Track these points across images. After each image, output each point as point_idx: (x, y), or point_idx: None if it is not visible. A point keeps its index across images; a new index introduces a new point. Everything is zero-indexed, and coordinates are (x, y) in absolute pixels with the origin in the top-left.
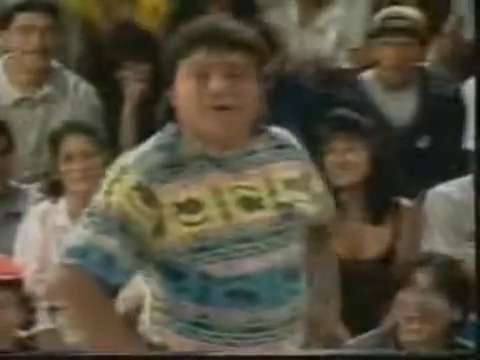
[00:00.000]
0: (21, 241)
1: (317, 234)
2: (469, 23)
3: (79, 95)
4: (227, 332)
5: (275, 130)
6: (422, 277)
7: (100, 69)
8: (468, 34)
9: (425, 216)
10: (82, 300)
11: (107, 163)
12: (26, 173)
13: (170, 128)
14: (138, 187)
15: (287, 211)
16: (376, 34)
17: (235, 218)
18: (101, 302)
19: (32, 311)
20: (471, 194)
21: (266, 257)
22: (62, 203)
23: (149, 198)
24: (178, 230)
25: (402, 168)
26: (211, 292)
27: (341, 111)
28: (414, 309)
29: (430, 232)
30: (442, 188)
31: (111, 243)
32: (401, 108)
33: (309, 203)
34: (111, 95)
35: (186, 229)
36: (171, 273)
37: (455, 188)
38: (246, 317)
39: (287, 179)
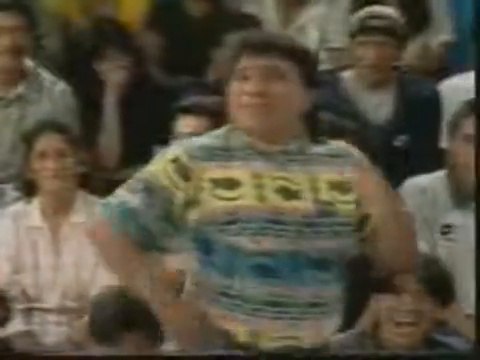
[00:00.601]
0: None
1: None
2: (445, 24)
3: (55, 94)
4: (248, 303)
5: (337, 142)
6: (406, 281)
7: (77, 64)
8: (443, 36)
9: None
10: (106, 248)
11: (82, 162)
12: (1, 173)
13: (227, 126)
14: (175, 160)
15: (324, 208)
16: (355, 33)
17: (270, 201)
18: (123, 251)
19: (7, 309)
20: (444, 188)
21: (294, 241)
22: (35, 203)
23: (184, 172)
24: (211, 203)
25: (379, 167)
26: (236, 264)
27: (322, 115)
28: (404, 315)
29: None
30: (416, 180)
31: (134, 200)
32: (379, 107)
33: (357, 205)
34: (89, 91)
35: (220, 203)
36: (201, 246)
37: (428, 181)
38: (266, 291)
39: (333, 181)
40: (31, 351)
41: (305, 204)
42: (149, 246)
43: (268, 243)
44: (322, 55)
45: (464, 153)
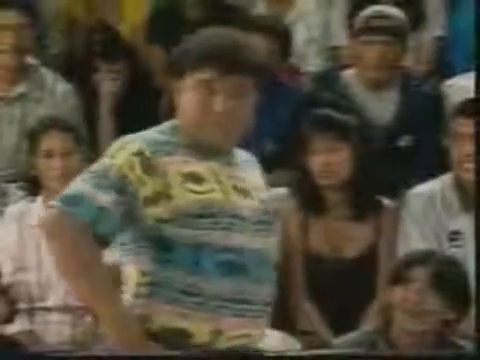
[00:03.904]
0: None
1: None
2: (439, 21)
3: (57, 94)
4: (211, 300)
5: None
6: (418, 275)
7: (75, 69)
8: (436, 32)
9: (404, 217)
10: (68, 244)
11: (87, 159)
12: (4, 172)
13: (168, 124)
14: (140, 153)
15: (267, 207)
16: (359, 32)
17: (232, 197)
18: (87, 248)
19: (12, 307)
20: (451, 194)
21: (254, 239)
22: (39, 201)
23: (148, 166)
24: (184, 196)
25: (384, 167)
26: (201, 261)
27: (322, 111)
28: (410, 308)
29: (409, 232)
30: (421, 188)
31: (104, 198)
32: (383, 107)
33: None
34: (88, 94)
35: (192, 196)
36: (159, 244)
37: (434, 188)
38: (233, 288)
39: (259, 184)
40: (36, 350)
41: (254, 203)
42: (109, 243)
43: (236, 239)
44: (318, 52)
45: (457, 152)
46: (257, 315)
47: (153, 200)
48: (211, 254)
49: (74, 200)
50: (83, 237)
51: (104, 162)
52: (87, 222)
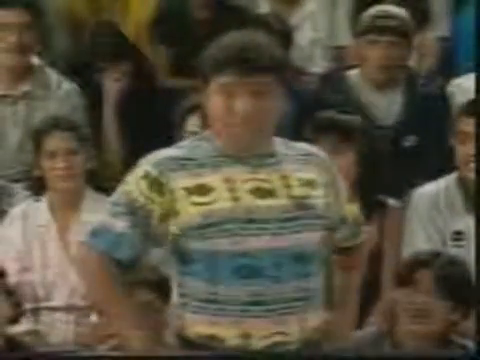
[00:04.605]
0: (2, 244)
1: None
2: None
3: (61, 93)
4: (232, 305)
5: (301, 144)
6: (423, 276)
7: (80, 68)
8: (440, 31)
9: (409, 217)
10: (89, 274)
11: (91, 158)
12: (9, 171)
13: (201, 135)
14: (146, 176)
15: (300, 202)
16: (364, 32)
17: (244, 202)
18: (109, 276)
19: (17, 307)
20: (455, 193)
21: (273, 238)
22: (44, 201)
23: (157, 186)
24: (187, 210)
25: (388, 167)
26: (217, 269)
27: (326, 113)
28: (414, 309)
29: (414, 232)
30: (426, 188)
31: (120, 224)
32: (388, 107)
33: (328, 203)
34: (92, 94)
35: (194, 208)
36: (182, 257)
37: (439, 187)
38: (249, 291)
39: (303, 179)
40: (41, 350)
41: (281, 201)
42: (132, 265)
43: (247, 243)
44: (323, 52)
45: (462, 152)
46: (282, 313)
47: (165, 217)
48: (225, 261)
49: (95, 232)
50: (101, 265)
51: (118, 190)
52: (105, 250)
